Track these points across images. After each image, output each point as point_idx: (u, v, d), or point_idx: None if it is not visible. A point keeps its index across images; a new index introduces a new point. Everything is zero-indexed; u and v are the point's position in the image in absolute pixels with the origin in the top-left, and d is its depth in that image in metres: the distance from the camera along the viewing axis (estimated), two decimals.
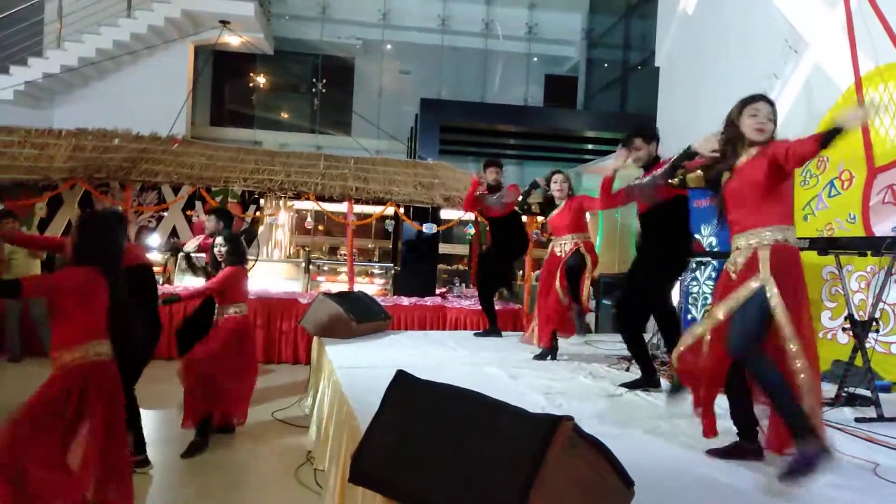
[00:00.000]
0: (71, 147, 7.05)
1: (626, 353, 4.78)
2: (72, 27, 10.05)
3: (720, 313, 2.53)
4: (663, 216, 3.65)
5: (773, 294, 2.41)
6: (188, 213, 8.72)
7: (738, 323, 2.47)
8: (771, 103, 2.64)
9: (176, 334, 4.83)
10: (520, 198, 5.21)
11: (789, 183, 2.57)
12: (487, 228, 6.15)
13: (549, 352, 4.68)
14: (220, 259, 4.34)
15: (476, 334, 5.86)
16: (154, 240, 8.62)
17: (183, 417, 4.06)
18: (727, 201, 2.65)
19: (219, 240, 4.37)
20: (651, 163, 3.70)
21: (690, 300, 6.33)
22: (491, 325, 5.78)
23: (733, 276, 2.59)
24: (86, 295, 2.56)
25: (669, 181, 3.16)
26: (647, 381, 3.84)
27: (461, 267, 11.94)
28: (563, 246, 4.71)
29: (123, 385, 2.73)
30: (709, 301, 5.92)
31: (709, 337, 2.56)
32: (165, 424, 4.54)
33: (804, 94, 5.50)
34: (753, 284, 2.46)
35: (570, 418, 1.65)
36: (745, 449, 2.63)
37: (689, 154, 3.04)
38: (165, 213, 8.63)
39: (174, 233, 8.36)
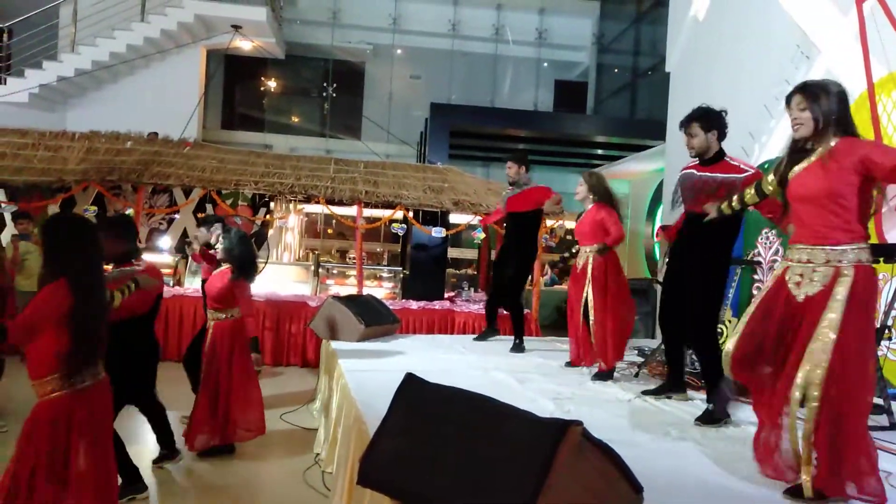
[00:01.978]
0: (84, 149, 7.14)
1: (636, 359, 4.78)
2: (86, 31, 10.16)
3: (808, 365, 2.22)
4: (716, 226, 3.18)
5: (834, 323, 2.19)
6: (199, 215, 8.77)
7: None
8: (802, 89, 2.40)
9: (183, 363, 4.62)
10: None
11: (867, 189, 2.30)
12: (500, 232, 6.07)
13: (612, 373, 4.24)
14: (219, 256, 4.20)
15: (475, 338, 5.62)
16: (165, 242, 8.67)
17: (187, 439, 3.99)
18: (791, 206, 2.44)
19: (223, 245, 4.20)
20: (714, 157, 3.31)
21: None
22: (489, 325, 5.55)
23: (795, 291, 2.34)
24: (61, 318, 2.29)
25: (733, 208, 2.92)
26: (673, 388, 3.69)
27: (470, 271, 11.95)
28: (581, 258, 4.33)
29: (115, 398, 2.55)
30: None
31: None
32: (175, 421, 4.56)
33: None
34: (829, 331, 2.20)
35: (578, 423, 1.65)
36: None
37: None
38: (177, 216, 8.68)
39: (185, 235, 8.40)
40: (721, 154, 3.34)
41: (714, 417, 3.15)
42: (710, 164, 3.32)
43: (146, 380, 3.71)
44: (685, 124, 3.34)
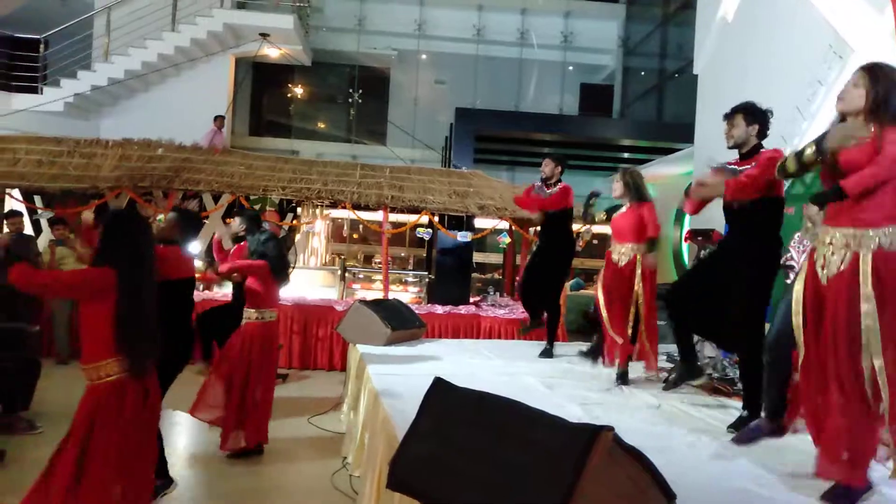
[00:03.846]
0: (117, 157, 7.29)
1: (665, 365, 4.71)
2: (119, 41, 10.41)
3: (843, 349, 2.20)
4: (755, 215, 3.14)
5: (869, 313, 2.16)
6: (227, 221, 8.90)
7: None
8: (867, 69, 2.33)
9: (198, 322, 4.75)
10: (584, 209, 4.88)
11: None
12: (525, 236, 6.03)
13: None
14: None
15: (522, 330, 5.83)
16: (195, 247, 8.81)
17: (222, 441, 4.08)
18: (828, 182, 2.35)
19: (254, 243, 4.29)
20: (750, 152, 3.23)
21: None
22: (551, 342, 5.23)
23: (821, 272, 2.31)
24: (106, 297, 2.39)
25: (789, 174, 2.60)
26: (689, 371, 3.52)
27: (496, 276, 11.92)
28: (622, 255, 4.24)
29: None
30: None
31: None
32: (201, 425, 4.63)
33: None
34: (856, 311, 2.18)
35: (610, 428, 1.63)
36: (769, 427, 2.69)
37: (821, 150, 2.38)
38: (206, 221, 8.82)
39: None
40: (758, 149, 3.24)
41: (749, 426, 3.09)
42: (746, 159, 3.25)
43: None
44: (730, 114, 3.29)
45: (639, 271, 4.16)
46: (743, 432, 2.94)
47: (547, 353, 5.09)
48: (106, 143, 7.52)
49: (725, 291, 3.16)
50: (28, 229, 7.02)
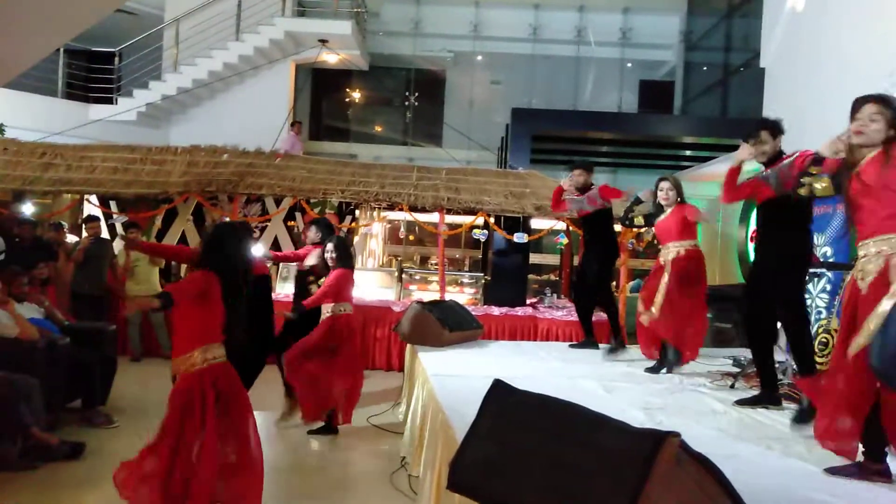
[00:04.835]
0: (185, 163, 7.61)
1: (730, 369, 4.56)
2: (187, 52, 10.86)
3: (862, 338, 2.34)
4: (784, 211, 3.39)
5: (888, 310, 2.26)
6: (289, 223, 9.14)
7: (878, 342, 2.30)
8: (881, 100, 2.46)
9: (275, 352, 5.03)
10: (624, 212, 5.02)
11: None
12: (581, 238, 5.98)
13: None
14: (330, 264, 4.64)
15: (571, 346, 5.69)
16: (258, 249, 9.07)
17: (303, 413, 4.47)
18: (851, 205, 2.52)
19: (329, 246, 4.67)
20: (774, 157, 3.48)
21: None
22: (587, 335, 5.58)
23: (861, 284, 2.44)
24: (204, 298, 2.72)
25: (797, 191, 2.92)
26: (768, 398, 3.58)
27: (552, 277, 11.79)
28: (667, 255, 4.47)
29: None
30: (822, 316, 5.52)
31: (850, 361, 2.38)
32: (265, 425, 4.76)
33: None
34: (887, 304, 2.28)
35: (676, 434, 1.59)
36: (870, 469, 2.44)
37: (817, 160, 2.80)
38: (268, 224, 9.08)
39: (275, 242, 8.76)
40: (781, 152, 3.50)
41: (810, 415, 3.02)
42: (772, 164, 3.47)
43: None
44: (754, 134, 3.50)
45: (669, 262, 4.40)
46: (843, 467, 2.52)
47: (615, 352, 5.08)
48: (175, 149, 7.86)
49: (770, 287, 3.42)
50: (105, 233, 7.40)
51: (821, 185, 2.72)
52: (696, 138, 10.86)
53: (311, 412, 4.50)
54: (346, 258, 4.66)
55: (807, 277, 3.63)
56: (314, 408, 4.48)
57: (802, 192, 2.86)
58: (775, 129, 3.50)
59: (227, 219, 7.83)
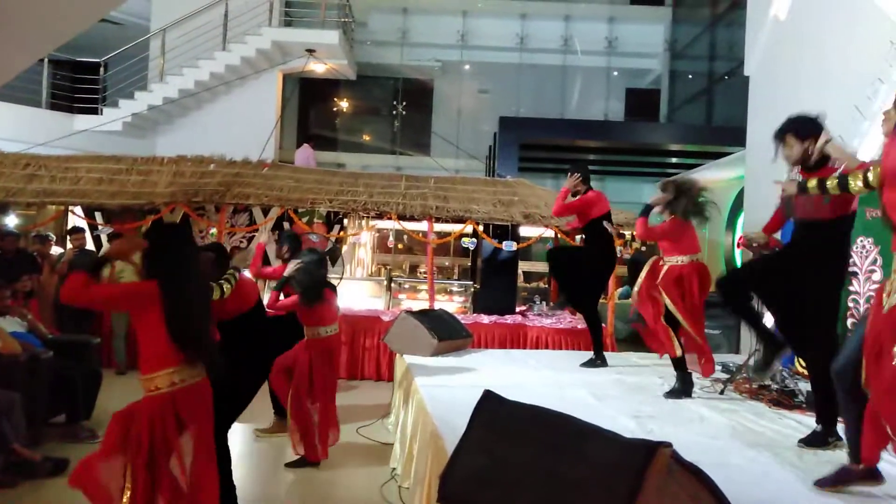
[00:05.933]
0: (172, 173, 7.55)
1: (719, 375, 4.56)
2: (173, 62, 10.80)
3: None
4: (824, 230, 3.08)
5: None
6: (275, 233, 9.09)
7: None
8: None
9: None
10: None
11: None
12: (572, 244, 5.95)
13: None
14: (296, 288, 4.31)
15: (582, 365, 5.06)
16: (243, 259, 9.01)
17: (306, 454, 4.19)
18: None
19: (291, 265, 4.34)
20: (818, 163, 3.09)
21: None
22: (596, 352, 5.09)
23: (885, 300, 2.28)
24: (143, 311, 2.42)
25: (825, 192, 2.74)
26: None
27: (542, 285, 11.80)
28: (665, 265, 4.19)
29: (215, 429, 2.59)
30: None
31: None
32: (247, 438, 4.71)
33: None
34: None
35: (668, 444, 1.58)
36: (853, 472, 2.44)
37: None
38: (256, 234, 9.02)
39: (265, 256, 8.69)
40: (825, 160, 3.09)
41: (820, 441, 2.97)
42: (814, 171, 3.07)
43: (236, 406, 3.36)
44: (780, 137, 3.19)
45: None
46: (830, 476, 2.52)
47: (592, 363, 4.96)
48: (161, 160, 7.79)
49: (798, 293, 3.10)
50: (90, 245, 7.31)
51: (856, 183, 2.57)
52: (682, 146, 10.96)
53: (314, 452, 4.21)
54: (309, 289, 4.22)
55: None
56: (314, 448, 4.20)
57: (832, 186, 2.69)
58: (801, 131, 3.11)
59: (214, 230, 7.78)
